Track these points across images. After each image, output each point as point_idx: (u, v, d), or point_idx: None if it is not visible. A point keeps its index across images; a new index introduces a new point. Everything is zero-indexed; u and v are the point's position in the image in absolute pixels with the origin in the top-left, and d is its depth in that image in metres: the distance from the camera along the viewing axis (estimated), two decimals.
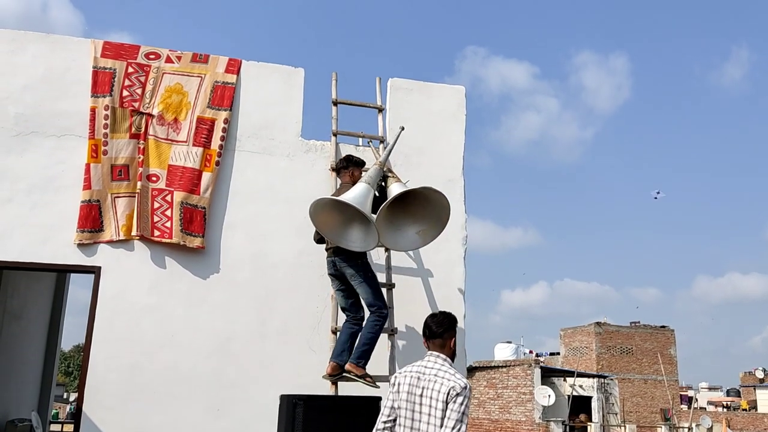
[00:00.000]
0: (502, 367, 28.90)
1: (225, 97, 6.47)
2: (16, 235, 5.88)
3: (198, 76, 6.48)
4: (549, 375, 28.30)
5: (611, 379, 30.39)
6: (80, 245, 5.92)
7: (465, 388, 3.57)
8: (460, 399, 3.53)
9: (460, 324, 6.53)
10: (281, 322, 6.15)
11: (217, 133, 6.36)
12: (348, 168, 5.73)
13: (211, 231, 6.21)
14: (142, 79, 6.37)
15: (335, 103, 6.90)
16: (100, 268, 5.94)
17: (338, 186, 5.87)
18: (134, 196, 6.07)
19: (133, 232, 5.97)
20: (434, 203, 5.34)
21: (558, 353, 41.59)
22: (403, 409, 3.68)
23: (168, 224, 6.06)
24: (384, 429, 3.76)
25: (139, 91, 6.32)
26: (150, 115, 6.27)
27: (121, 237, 6.01)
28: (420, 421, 3.59)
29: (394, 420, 3.74)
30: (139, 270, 6.01)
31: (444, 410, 3.53)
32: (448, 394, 3.54)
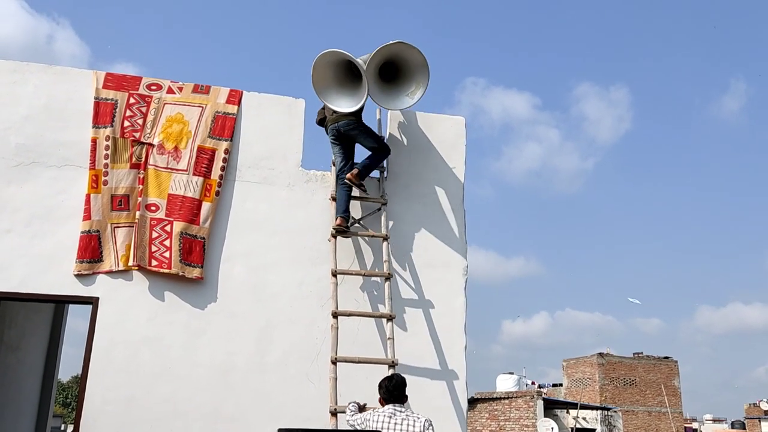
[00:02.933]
0: (504, 398, 28.58)
1: (226, 127, 6.50)
2: (15, 265, 5.85)
3: (199, 107, 6.52)
4: (552, 407, 27.98)
5: (615, 411, 30.03)
6: (79, 276, 5.89)
7: (432, 423, 4.75)
8: (431, 429, 4.71)
9: (461, 355, 6.47)
10: (281, 353, 6.09)
11: (218, 163, 6.37)
12: None
13: (210, 261, 6.18)
14: (144, 109, 6.41)
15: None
16: (98, 298, 5.90)
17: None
18: (133, 226, 6.06)
19: (130, 262, 5.95)
20: (412, 63, 6.22)
21: (560, 384, 41.18)
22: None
23: (167, 254, 6.04)
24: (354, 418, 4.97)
25: (140, 121, 6.35)
26: (150, 145, 6.29)
27: (120, 267, 5.98)
28: None
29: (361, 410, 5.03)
30: (137, 301, 5.97)
31: None
32: (423, 424, 4.68)
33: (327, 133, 6.67)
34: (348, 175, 6.28)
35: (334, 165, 6.66)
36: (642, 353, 40.80)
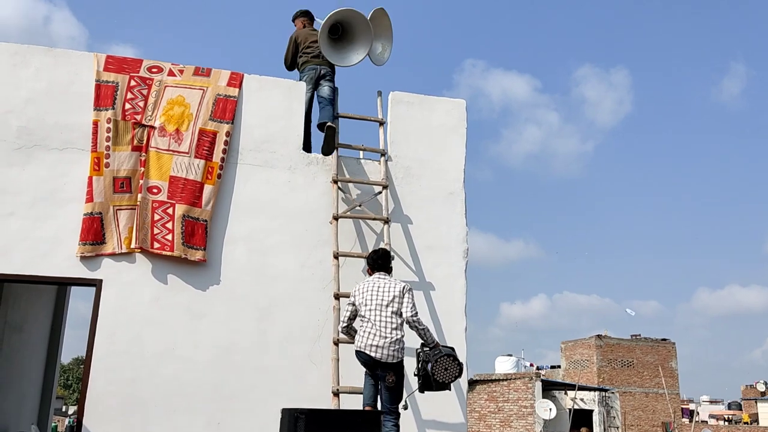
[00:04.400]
0: (502, 380, 28.77)
1: (227, 110, 6.50)
2: (19, 248, 5.89)
3: (200, 89, 6.51)
4: (550, 388, 28.17)
5: (612, 393, 30.25)
6: (82, 258, 5.93)
7: (410, 288, 5.34)
8: (409, 293, 5.27)
9: (461, 337, 6.53)
10: (282, 335, 6.14)
11: (219, 146, 6.38)
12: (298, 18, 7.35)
13: (213, 244, 6.22)
14: (145, 92, 6.40)
15: (336, 116, 6.93)
16: (101, 281, 5.94)
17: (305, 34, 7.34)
18: (135, 209, 6.08)
19: (133, 245, 5.98)
20: (376, 22, 6.95)
21: (559, 366, 41.46)
22: (363, 303, 5.24)
23: (169, 237, 6.07)
24: (347, 324, 5.35)
25: (141, 104, 6.35)
26: (152, 128, 6.29)
27: (123, 250, 6.01)
28: (379, 306, 5.17)
29: (353, 318, 5.33)
30: (140, 283, 6.01)
31: (400, 301, 5.20)
32: (402, 290, 5.26)
33: (299, 70, 7.21)
34: (329, 124, 6.61)
35: (335, 148, 6.68)
36: (640, 335, 41.03)
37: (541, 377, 28.11)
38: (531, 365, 40.36)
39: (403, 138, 6.90)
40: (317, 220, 6.47)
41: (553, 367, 42.77)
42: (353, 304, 5.33)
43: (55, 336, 8.90)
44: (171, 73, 6.55)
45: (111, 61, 6.46)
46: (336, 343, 5.78)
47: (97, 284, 5.93)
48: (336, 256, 6.18)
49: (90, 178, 6.06)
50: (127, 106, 6.31)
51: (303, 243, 6.39)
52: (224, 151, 6.39)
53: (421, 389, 5.28)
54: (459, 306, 6.62)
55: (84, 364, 5.94)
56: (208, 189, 6.26)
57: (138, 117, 6.31)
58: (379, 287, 5.27)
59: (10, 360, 7.63)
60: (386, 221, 6.44)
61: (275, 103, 6.71)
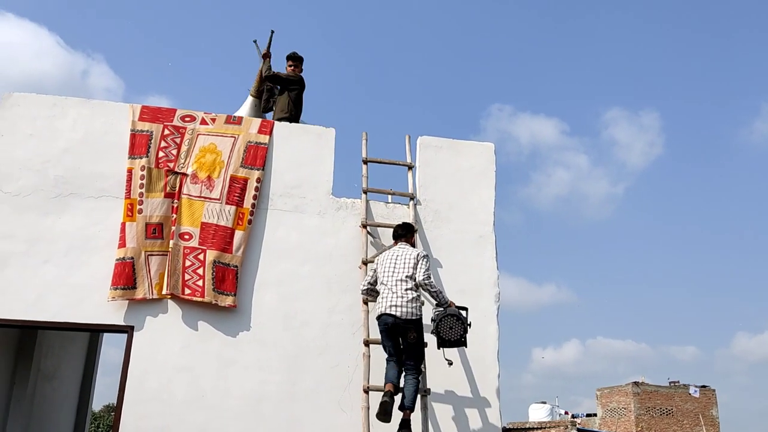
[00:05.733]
0: (537, 429, 28.03)
1: (258, 156, 6.59)
2: (53, 295, 5.96)
3: (231, 137, 6.63)
4: None
5: None
6: (114, 304, 5.96)
7: (426, 255, 5.77)
8: (424, 259, 5.68)
9: (494, 384, 6.38)
10: (312, 382, 6.07)
11: (250, 192, 6.44)
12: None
13: (243, 289, 6.22)
14: (178, 140, 6.54)
15: (365, 162, 6.98)
16: (132, 327, 5.96)
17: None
18: (167, 255, 6.14)
19: (164, 291, 6.02)
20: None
21: (595, 414, 40.22)
22: (383, 271, 5.70)
23: (200, 283, 6.09)
24: (367, 287, 5.85)
25: (174, 151, 6.48)
26: (184, 175, 6.40)
27: (154, 295, 6.05)
28: (396, 271, 5.61)
29: (374, 283, 5.79)
30: (170, 329, 6.02)
31: (415, 266, 5.62)
32: (417, 256, 5.67)
33: (273, 83, 7.64)
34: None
35: (364, 193, 6.70)
36: (678, 382, 39.76)
37: (577, 426, 27.32)
38: (566, 413, 39.31)
39: (432, 182, 6.90)
40: (347, 264, 6.45)
41: (588, 415, 41.51)
42: (375, 271, 5.80)
43: (86, 383, 8.93)
44: (203, 122, 6.69)
45: (146, 111, 6.63)
46: (366, 391, 5.68)
47: (128, 331, 5.95)
48: (365, 302, 6.13)
49: (123, 224, 6.15)
50: (161, 154, 6.44)
51: (332, 288, 6.36)
52: (255, 197, 6.45)
53: (438, 346, 5.74)
54: (491, 352, 6.48)
55: (115, 411, 5.92)
56: (238, 235, 6.30)
57: (171, 165, 6.42)
58: (398, 256, 5.72)
59: (41, 409, 7.65)
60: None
61: (304, 149, 6.78)
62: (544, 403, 36.35)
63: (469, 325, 5.71)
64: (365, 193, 6.71)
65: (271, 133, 6.74)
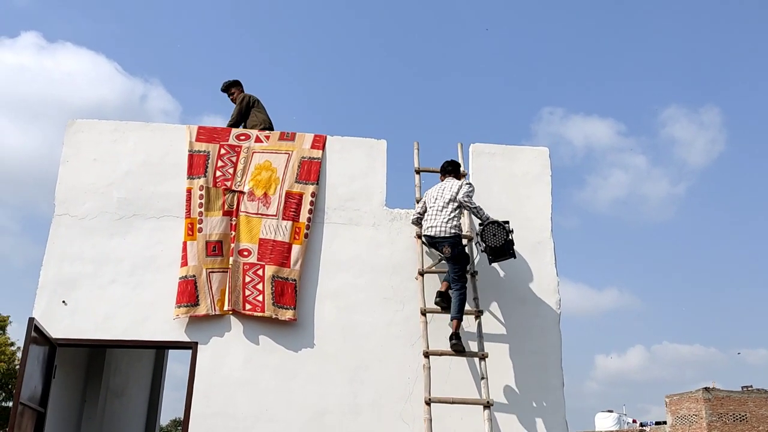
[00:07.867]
0: None
1: (312, 171, 6.67)
2: (120, 314, 6.15)
3: (286, 153, 6.73)
4: None
5: None
6: (179, 321, 6.11)
7: (470, 183, 6.30)
8: (467, 186, 6.18)
9: (559, 393, 6.24)
10: (373, 394, 6.06)
11: (305, 207, 6.52)
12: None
13: (302, 303, 6.28)
14: (234, 159, 6.68)
15: (418, 171, 6.97)
16: (196, 343, 6.09)
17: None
18: (227, 271, 6.26)
19: (225, 307, 6.14)
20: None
21: (664, 422, 38.88)
22: (429, 200, 6.23)
23: (260, 298, 6.18)
24: (416, 216, 6.35)
25: (230, 170, 6.62)
26: (241, 193, 6.53)
27: (216, 312, 6.16)
28: (438, 200, 6.15)
29: (422, 213, 6.26)
30: (233, 344, 6.12)
31: (458, 191, 6.11)
32: (461, 185, 6.15)
33: (241, 120, 7.50)
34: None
35: (417, 202, 6.69)
36: (751, 386, 38.11)
37: None
38: (634, 421, 38.17)
39: (486, 189, 6.82)
40: (403, 275, 6.44)
41: (658, 423, 40.17)
42: (425, 203, 6.29)
43: (154, 398, 9.15)
44: (258, 140, 6.81)
45: (202, 131, 6.80)
46: (428, 402, 5.63)
47: (193, 347, 6.08)
48: (423, 313, 6.10)
49: (184, 243, 6.30)
50: (218, 173, 6.59)
51: (390, 299, 6.36)
52: (310, 211, 6.52)
53: (490, 261, 6.24)
54: (555, 360, 6.35)
55: (182, 426, 6.05)
56: (296, 249, 6.37)
57: (228, 183, 6.56)
58: (444, 188, 6.22)
59: (111, 425, 7.86)
60: (473, 274, 6.33)
61: (357, 162, 6.83)
62: (611, 411, 35.38)
63: (512, 231, 6.00)
64: (418, 202, 6.69)
65: (323, 148, 6.81)
